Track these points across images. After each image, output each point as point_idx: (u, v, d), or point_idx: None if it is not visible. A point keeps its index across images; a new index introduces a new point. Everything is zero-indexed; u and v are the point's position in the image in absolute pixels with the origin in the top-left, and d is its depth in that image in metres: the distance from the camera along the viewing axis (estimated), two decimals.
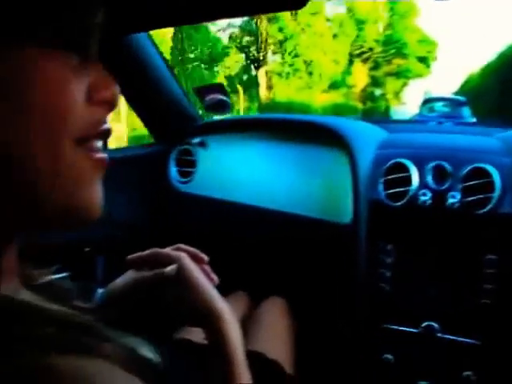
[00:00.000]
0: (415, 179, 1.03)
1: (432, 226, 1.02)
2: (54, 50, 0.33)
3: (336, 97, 17.95)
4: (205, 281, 0.61)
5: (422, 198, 1.01)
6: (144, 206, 1.45)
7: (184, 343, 0.90)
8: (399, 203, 1.03)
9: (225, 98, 1.50)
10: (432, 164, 1.03)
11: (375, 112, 17.15)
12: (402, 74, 18.71)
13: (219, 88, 1.53)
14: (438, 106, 10.44)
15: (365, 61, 19.01)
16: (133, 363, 0.35)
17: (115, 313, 0.63)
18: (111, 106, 0.38)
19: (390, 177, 1.06)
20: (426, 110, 10.15)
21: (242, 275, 1.23)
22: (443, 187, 1.01)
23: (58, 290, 0.45)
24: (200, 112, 1.61)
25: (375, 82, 18.65)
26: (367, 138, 1.22)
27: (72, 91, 0.34)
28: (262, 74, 18.39)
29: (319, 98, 17.31)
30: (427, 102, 10.89)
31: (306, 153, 1.26)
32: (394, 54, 18.60)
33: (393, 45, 18.68)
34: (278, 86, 18.22)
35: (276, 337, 1.00)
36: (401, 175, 1.04)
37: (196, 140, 1.44)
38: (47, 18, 0.32)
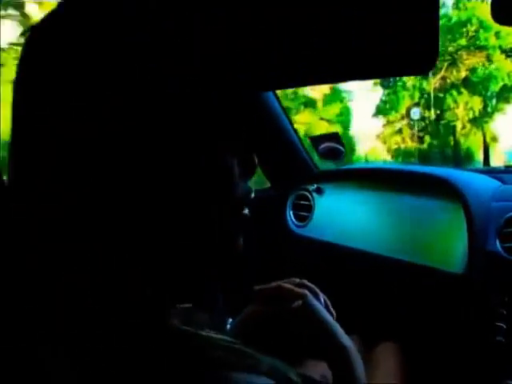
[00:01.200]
0: None
1: None
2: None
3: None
4: (329, 317, 0.66)
5: None
6: (261, 246, 1.56)
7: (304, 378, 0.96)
8: None
9: (339, 146, 1.59)
10: None
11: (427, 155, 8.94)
12: (477, 85, 9.08)
13: (334, 136, 1.63)
14: None
15: None
16: (284, 382, 0.41)
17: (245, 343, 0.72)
18: (253, 174, 0.48)
19: (507, 230, 1.08)
20: None
21: (354, 319, 1.29)
22: None
23: (200, 321, 0.56)
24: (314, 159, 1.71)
25: (427, 101, 9.24)
26: (481, 189, 1.23)
27: (235, 175, 0.44)
28: None
29: None
30: None
31: (419, 202, 1.30)
32: (463, 47, 8.86)
33: (458, 32, 8.89)
34: None
35: (389, 380, 1.03)
36: None
37: (313, 186, 1.55)
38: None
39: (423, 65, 0.42)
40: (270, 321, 0.69)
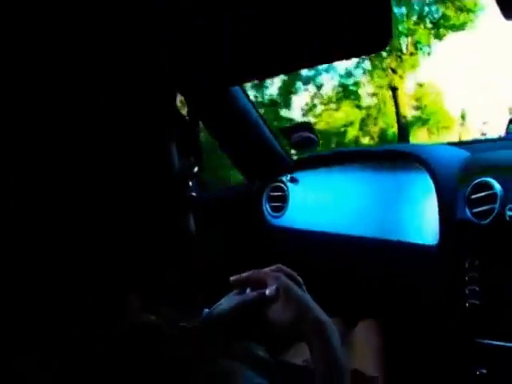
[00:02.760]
0: (500, 196, 1.03)
1: None
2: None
3: None
4: (305, 295, 0.66)
5: (509, 214, 1.01)
6: (239, 240, 1.56)
7: (285, 364, 0.96)
8: (486, 221, 1.04)
9: (311, 135, 1.59)
10: None
11: None
12: None
13: (305, 126, 1.63)
14: None
15: None
16: (250, 361, 0.43)
17: (222, 333, 0.72)
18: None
19: (475, 196, 1.08)
20: None
21: (334, 301, 1.28)
22: None
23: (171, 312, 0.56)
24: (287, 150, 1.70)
25: None
26: (449, 160, 1.24)
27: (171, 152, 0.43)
28: None
29: None
30: None
31: (390, 180, 1.30)
32: None
33: None
34: None
35: (370, 355, 1.03)
36: (486, 193, 1.06)
37: (287, 177, 1.55)
38: None
39: (378, 43, 0.43)
40: (249, 308, 0.68)
